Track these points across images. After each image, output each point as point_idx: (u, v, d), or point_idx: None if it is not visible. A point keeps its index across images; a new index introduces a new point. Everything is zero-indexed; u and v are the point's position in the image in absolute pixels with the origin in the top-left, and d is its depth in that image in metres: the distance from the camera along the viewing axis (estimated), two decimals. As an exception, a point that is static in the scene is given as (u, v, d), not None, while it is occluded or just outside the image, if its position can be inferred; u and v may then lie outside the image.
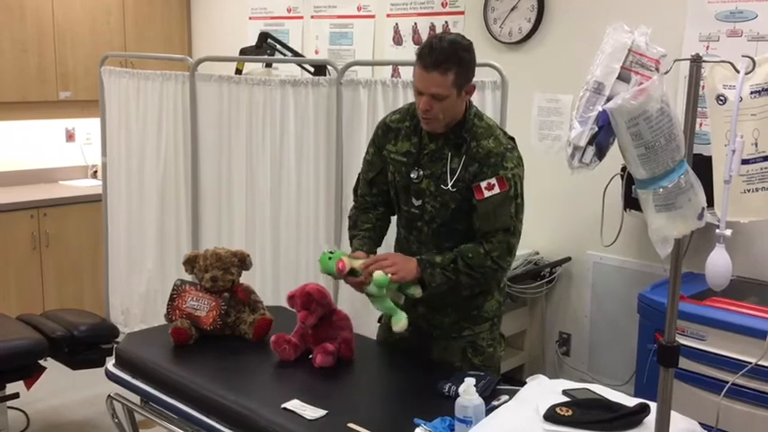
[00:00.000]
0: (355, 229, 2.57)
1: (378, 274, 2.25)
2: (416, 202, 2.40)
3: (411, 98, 2.92)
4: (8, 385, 3.20)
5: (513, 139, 2.41)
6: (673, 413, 1.67)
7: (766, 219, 1.73)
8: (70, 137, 5.30)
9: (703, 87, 1.62)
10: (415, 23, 4.34)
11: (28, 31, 4.70)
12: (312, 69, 3.91)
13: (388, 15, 4.47)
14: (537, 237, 3.85)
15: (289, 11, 4.98)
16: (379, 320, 2.65)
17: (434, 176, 2.35)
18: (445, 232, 2.38)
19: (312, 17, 4.87)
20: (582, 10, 3.67)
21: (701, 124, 2.96)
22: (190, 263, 2.69)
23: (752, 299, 2.97)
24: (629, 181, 3.09)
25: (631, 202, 3.15)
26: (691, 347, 2.80)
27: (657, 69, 1.48)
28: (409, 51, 4.38)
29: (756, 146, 1.66)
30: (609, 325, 3.73)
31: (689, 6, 3.31)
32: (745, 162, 1.64)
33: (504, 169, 2.28)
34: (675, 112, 1.47)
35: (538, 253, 3.82)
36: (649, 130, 1.44)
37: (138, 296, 4.00)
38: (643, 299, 3.07)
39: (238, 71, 3.86)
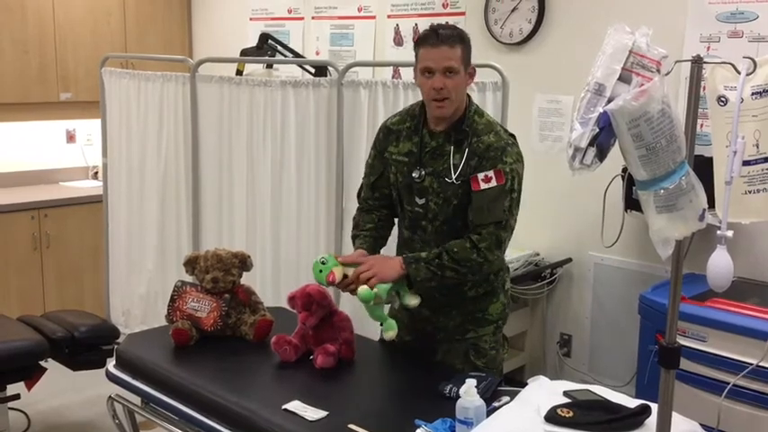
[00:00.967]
0: (357, 229, 2.58)
1: (362, 290, 2.27)
2: (420, 201, 2.41)
3: (412, 99, 2.92)
4: (9, 386, 3.20)
5: (513, 135, 2.42)
6: (674, 414, 1.67)
7: (767, 220, 1.73)
8: (71, 138, 5.30)
9: (704, 88, 1.62)
10: (416, 24, 4.34)
11: (29, 32, 4.70)
12: (313, 70, 3.91)
13: (389, 16, 4.47)
14: (538, 238, 3.85)
15: (289, 12, 4.98)
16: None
17: (436, 173, 2.37)
18: (448, 230, 2.39)
19: (313, 18, 4.87)
20: (582, 11, 3.67)
21: (701, 125, 2.96)
22: (190, 264, 2.69)
23: (753, 300, 2.96)
24: (629, 182, 3.09)
25: (632, 203, 3.15)
26: (692, 348, 2.79)
27: (658, 70, 1.48)
28: (410, 52, 4.36)
29: (757, 147, 1.66)
30: (610, 326, 3.72)
31: (689, 7, 3.31)
32: (746, 163, 1.64)
33: (502, 163, 2.30)
34: (677, 114, 1.46)
35: (538, 254, 3.82)
36: (650, 132, 1.44)
37: (139, 297, 4.00)
38: (644, 300, 3.07)
39: (239, 72, 3.86)
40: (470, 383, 1.88)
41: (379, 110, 3.19)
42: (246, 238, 3.57)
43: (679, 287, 1.62)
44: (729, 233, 1.59)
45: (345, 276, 2.33)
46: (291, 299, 2.45)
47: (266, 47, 3.90)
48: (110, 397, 2.60)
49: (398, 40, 4.43)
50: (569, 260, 3.82)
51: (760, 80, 1.62)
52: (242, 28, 5.18)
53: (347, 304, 3.24)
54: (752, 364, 2.62)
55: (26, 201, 4.58)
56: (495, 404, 2.01)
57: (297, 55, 4.13)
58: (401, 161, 2.44)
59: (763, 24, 3.13)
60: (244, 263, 2.69)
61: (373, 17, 4.54)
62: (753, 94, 1.63)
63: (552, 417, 1.81)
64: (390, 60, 4.41)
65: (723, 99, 1.66)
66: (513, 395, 2.04)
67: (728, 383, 2.64)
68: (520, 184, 2.34)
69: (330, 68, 3.57)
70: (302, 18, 4.93)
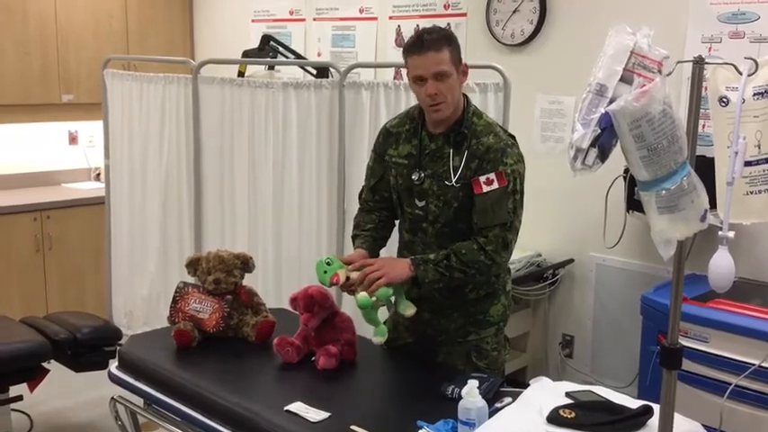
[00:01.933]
0: (357, 229, 2.58)
1: (361, 296, 2.27)
2: (420, 203, 2.41)
3: (414, 100, 2.93)
4: (11, 388, 3.20)
5: (512, 136, 2.42)
6: (676, 415, 1.67)
7: (768, 221, 1.73)
8: (73, 139, 5.31)
9: (706, 89, 1.62)
10: (418, 25, 4.33)
11: (31, 34, 4.71)
12: (314, 72, 3.91)
13: (391, 17, 4.47)
14: (540, 238, 3.85)
15: (291, 13, 4.99)
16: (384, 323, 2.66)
17: (436, 175, 2.36)
18: (449, 232, 2.39)
19: (314, 19, 4.87)
20: (584, 12, 3.67)
21: (703, 126, 2.96)
22: (192, 265, 2.70)
23: (755, 300, 2.96)
24: (631, 183, 3.09)
25: (634, 204, 3.15)
26: (694, 349, 2.79)
27: (660, 71, 1.48)
28: (411, 53, 4.38)
29: (759, 148, 1.66)
30: (612, 327, 3.72)
31: (691, 8, 3.31)
32: (747, 164, 1.64)
33: (503, 165, 2.29)
34: (678, 114, 1.47)
35: (540, 255, 3.82)
36: (652, 132, 1.44)
37: (141, 298, 4.01)
38: (646, 301, 3.07)
39: (241, 74, 3.87)
40: (472, 384, 1.88)
41: (380, 111, 3.19)
42: (248, 240, 3.57)
43: (681, 288, 1.62)
44: (731, 234, 1.59)
45: (348, 278, 2.33)
46: (293, 300, 2.45)
47: (268, 48, 3.90)
48: (112, 398, 2.60)
49: (400, 42, 4.43)
50: (571, 261, 3.82)
51: (761, 81, 1.62)
52: (244, 29, 5.19)
53: (349, 306, 3.25)
54: (754, 365, 2.62)
55: (28, 202, 4.59)
56: (498, 405, 2.00)
57: (298, 56, 4.14)
58: (401, 163, 2.44)
59: (764, 25, 3.13)
60: (246, 264, 2.69)
61: (375, 18, 4.54)
62: (754, 94, 1.63)
63: (554, 418, 1.81)
64: (392, 62, 4.41)
65: (725, 100, 1.66)
66: (515, 396, 2.04)
67: (730, 384, 2.64)
68: (522, 184, 2.34)
69: (332, 70, 3.57)
70: (304, 19, 4.93)
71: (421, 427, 1.92)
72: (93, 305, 4.52)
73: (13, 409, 3.32)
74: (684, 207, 1.47)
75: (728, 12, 3.20)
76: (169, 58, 4.48)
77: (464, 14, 4.14)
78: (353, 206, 2.83)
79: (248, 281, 2.74)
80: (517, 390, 2.11)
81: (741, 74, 1.58)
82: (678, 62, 1.55)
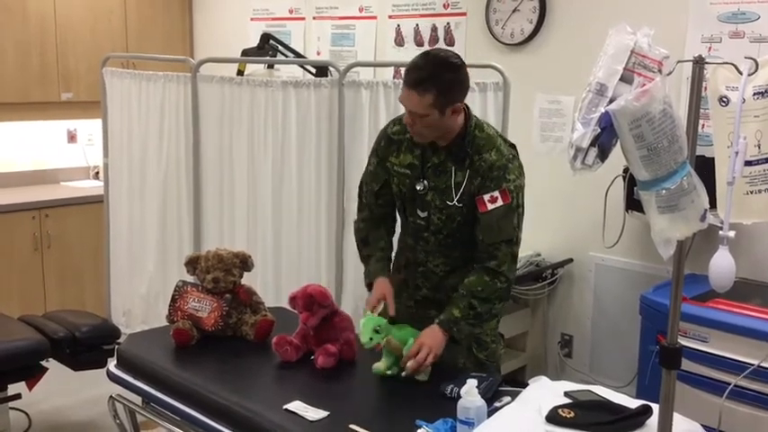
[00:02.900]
0: (368, 247, 2.56)
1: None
2: (422, 214, 2.42)
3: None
4: (10, 386, 3.20)
5: (514, 146, 2.42)
6: (675, 415, 1.67)
7: (768, 220, 1.73)
8: (72, 138, 5.30)
9: (705, 89, 1.62)
10: (417, 25, 4.34)
11: (30, 32, 4.70)
12: (314, 70, 3.91)
13: (390, 17, 4.46)
14: (539, 238, 3.85)
15: (290, 12, 4.98)
16: None
17: (439, 190, 2.37)
18: (452, 243, 2.41)
19: (314, 18, 4.87)
20: (584, 11, 3.67)
21: (703, 126, 2.96)
22: (192, 264, 2.69)
23: (755, 300, 2.96)
24: (630, 182, 3.09)
25: (633, 204, 3.15)
26: (693, 349, 2.80)
27: (660, 71, 1.48)
28: (411, 53, 4.37)
29: (759, 147, 1.66)
30: (611, 326, 3.72)
31: (691, 8, 3.31)
32: (747, 164, 1.64)
33: (506, 182, 2.30)
34: (678, 114, 1.46)
35: (539, 254, 3.82)
36: (652, 132, 1.44)
37: (140, 297, 4.00)
38: (645, 300, 3.07)
39: (240, 72, 3.86)
40: (471, 384, 1.88)
41: (380, 110, 3.19)
42: (247, 239, 3.57)
43: (680, 287, 1.62)
44: (731, 234, 1.59)
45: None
46: (292, 299, 2.44)
47: (267, 47, 3.90)
48: (111, 397, 2.60)
49: (399, 41, 4.43)
50: (570, 260, 3.82)
51: (761, 80, 1.62)
52: (243, 28, 5.18)
53: (348, 305, 3.25)
54: (753, 365, 2.62)
55: (27, 201, 4.59)
56: (497, 404, 2.01)
57: (298, 55, 4.13)
58: (403, 173, 2.44)
59: (764, 25, 3.12)
60: (245, 263, 2.69)
61: (374, 17, 4.54)
62: (754, 94, 1.62)
63: (553, 417, 1.81)
64: (391, 60, 4.41)
65: (725, 99, 1.66)
66: (514, 395, 2.04)
67: (730, 384, 2.64)
68: (523, 197, 2.36)
69: (331, 69, 3.57)
70: (303, 18, 4.93)
71: (420, 427, 1.92)
72: (91, 304, 4.52)
73: (11, 408, 3.32)
74: (684, 207, 1.47)
75: (728, 11, 3.20)
76: (168, 57, 4.47)
77: (464, 14, 4.14)
78: (353, 204, 2.83)
79: (247, 280, 2.74)
80: (516, 389, 2.12)
81: (741, 73, 1.58)
82: (678, 62, 1.55)
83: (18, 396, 3.23)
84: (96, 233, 4.53)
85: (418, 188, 2.39)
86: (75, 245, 4.73)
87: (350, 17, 4.66)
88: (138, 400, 2.53)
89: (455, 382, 2.12)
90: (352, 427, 1.96)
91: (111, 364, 2.61)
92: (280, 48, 3.96)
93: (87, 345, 3.28)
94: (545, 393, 1.98)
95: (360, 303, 3.12)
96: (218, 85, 3.58)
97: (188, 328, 2.56)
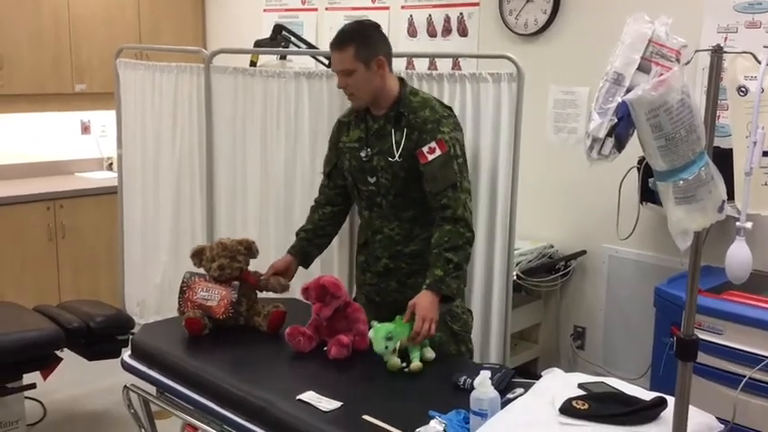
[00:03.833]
0: (302, 227, 2.86)
1: (416, 366, 2.29)
2: (371, 180, 2.62)
3: (426, 89, 2.92)
4: (25, 376, 3.22)
5: (449, 108, 2.65)
6: (689, 407, 1.66)
7: (787, 211, 1.71)
8: (86, 129, 5.32)
9: (722, 79, 1.60)
10: (430, 15, 4.32)
11: (43, 24, 4.72)
12: (326, 62, 3.89)
13: (403, 7, 4.45)
14: (552, 230, 3.84)
15: (303, 3, 4.98)
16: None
17: (382, 152, 2.58)
18: (402, 202, 2.60)
19: (326, 9, 4.86)
20: (597, 1, 3.64)
21: (719, 116, 2.93)
22: (197, 256, 2.72)
23: (770, 293, 2.94)
24: (645, 173, 3.07)
25: (648, 195, 3.13)
26: (708, 341, 2.78)
27: (678, 60, 1.47)
28: (424, 43, 4.36)
29: (777, 138, 1.64)
30: (624, 318, 3.71)
31: (707, -3, 3.28)
32: (766, 154, 1.62)
33: (441, 133, 2.50)
34: (696, 104, 1.45)
35: (552, 246, 3.81)
36: (670, 122, 1.42)
37: (154, 287, 4.01)
38: (660, 292, 3.06)
39: (253, 63, 3.85)
40: (485, 375, 1.88)
41: (393, 101, 3.18)
42: (260, 229, 3.57)
43: (697, 279, 1.60)
44: (749, 224, 1.57)
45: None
46: (305, 290, 2.45)
47: (280, 38, 3.89)
48: (125, 386, 2.61)
49: (412, 32, 4.41)
50: (584, 252, 3.81)
51: (780, 70, 1.60)
52: (256, 19, 5.18)
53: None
54: (768, 358, 2.60)
55: (41, 191, 4.61)
56: (510, 396, 2.00)
57: (310, 46, 4.12)
58: (353, 147, 2.67)
59: (781, 15, 3.09)
60: (249, 249, 2.70)
61: (387, 8, 4.52)
62: (773, 84, 1.61)
63: (567, 409, 1.81)
64: (404, 51, 4.39)
65: (743, 89, 1.64)
66: (527, 387, 2.04)
67: (744, 377, 2.63)
68: (462, 149, 2.55)
69: (344, 59, 3.55)
70: (316, 9, 4.92)
71: (433, 417, 1.92)
72: (105, 294, 4.55)
73: (26, 397, 3.34)
74: (702, 198, 1.46)
75: (745, 1, 3.17)
76: (182, 48, 4.47)
77: (477, 4, 4.12)
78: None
79: (260, 269, 2.74)
80: (529, 381, 2.11)
81: (760, 63, 1.56)
82: (696, 51, 1.53)
83: (33, 386, 3.26)
84: (110, 224, 4.54)
85: (362, 155, 2.62)
86: (89, 235, 4.76)
87: (363, 8, 4.65)
88: (151, 389, 2.55)
89: (468, 374, 2.12)
90: (366, 417, 1.97)
91: (126, 354, 2.63)
92: (292, 39, 3.95)
93: (102, 335, 3.31)
94: (558, 385, 1.97)
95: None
96: (231, 76, 3.58)
97: (199, 317, 2.57)
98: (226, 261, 2.64)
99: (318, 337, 2.45)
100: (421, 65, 4.22)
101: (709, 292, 2.86)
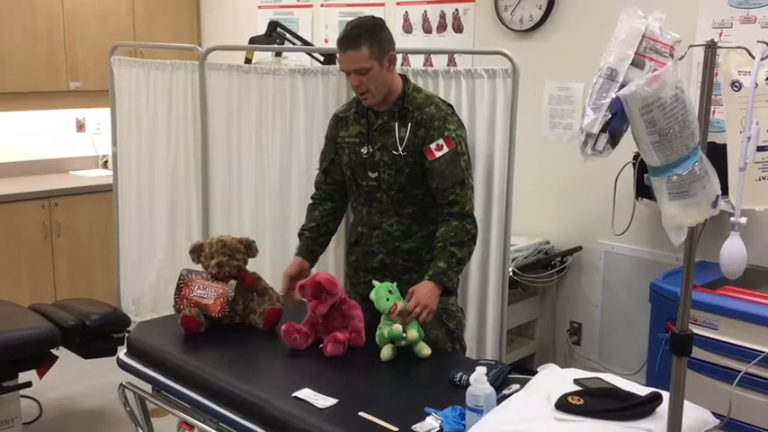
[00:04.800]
0: (304, 224, 2.80)
1: (413, 336, 2.34)
2: (373, 175, 2.61)
3: (422, 86, 2.92)
4: (21, 374, 3.22)
5: (451, 105, 2.66)
6: (685, 402, 1.66)
7: (781, 207, 1.71)
8: (80, 127, 5.31)
9: (716, 74, 1.60)
10: (425, 11, 4.31)
11: (38, 21, 4.70)
12: (322, 58, 3.89)
13: (398, 4, 4.44)
14: (548, 226, 3.84)
15: (298, 0, 4.96)
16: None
17: (385, 147, 2.58)
18: (403, 198, 2.59)
19: (321, 6, 4.85)
20: (593, -3, 3.64)
21: (713, 112, 2.93)
22: (196, 252, 2.71)
23: (765, 288, 2.95)
24: (641, 169, 3.07)
25: (643, 191, 3.13)
26: (703, 336, 2.78)
27: (672, 55, 1.47)
28: (419, 40, 4.36)
29: (772, 132, 1.64)
30: (620, 314, 3.71)
31: (702, -7, 3.28)
32: (760, 149, 1.62)
33: (448, 130, 2.52)
34: (690, 99, 1.45)
35: (548, 242, 3.81)
36: (663, 117, 1.42)
37: (149, 286, 4.01)
38: (655, 288, 3.06)
39: (248, 60, 3.85)
40: (480, 371, 1.88)
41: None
42: (256, 227, 3.57)
43: (692, 274, 1.61)
44: (743, 220, 1.58)
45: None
46: (301, 287, 2.45)
47: (275, 35, 3.88)
48: (121, 384, 2.61)
49: (407, 28, 4.41)
50: (579, 248, 3.81)
51: (774, 65, 1.60)
52: (251, 16, 5.17)
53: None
54: (764, 352, 2.61)
55: (36, 190, 4.60)
56: (506, 392, 2.00)
57: (306, 43, 4.12)
58: (352, 142, 2.65)
59: (776, 10, 3.09)
60: (249, 248, 2.70)
61: (382, 5, 4.52)
62: (767, 78, 1.61)
63: (563, 404, 1.81)
64: (399, 48, 4.37)
65: (737, 84, 1.64)
66: (523, 383, 2.04)
67: (740, 371, 2.63)
68: (467, 147, 2.58)
69: (339, 56, 3.55)
70: (311, 6, 4.91)
71: (429, 414, 1.92)
72: (101, 292, 4.53)
73: (22, 396, 3.33)
74: (696, 193, 1.46)
75: (740, -4, 3.17)
76: (176, 45, 4.46)
77: (472, 0, 4.11)
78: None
79: (255, 267, 2.75)
80: (525, 377, 2.11)
81: (754, 58, 1.56)
82: (690, 46, 1.53)
83: (29, 384, 3.25)
84: (105, 222, 4.54)
85: (363, 151, 2.60)
86: (84, 234, 4.75)
87: (358, 4, 4.64)
88: (147, 387, 2.55)
89: (464, 370, 2.12)
90: (362, 414, 1.97)
91: (121, 352, 2.63)
92: (287, 36, 3.95)
93: (97, 333, 3.30)
94: (554, 381, 1.98)
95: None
96: (226, 73, 3.57)
97: (195, 315, 2.56)
98: (224, 259, 2.63)
99: (314, 335, 2.45)
100: (416, 61, 4.22)
101: (705, 288, 2.87)
